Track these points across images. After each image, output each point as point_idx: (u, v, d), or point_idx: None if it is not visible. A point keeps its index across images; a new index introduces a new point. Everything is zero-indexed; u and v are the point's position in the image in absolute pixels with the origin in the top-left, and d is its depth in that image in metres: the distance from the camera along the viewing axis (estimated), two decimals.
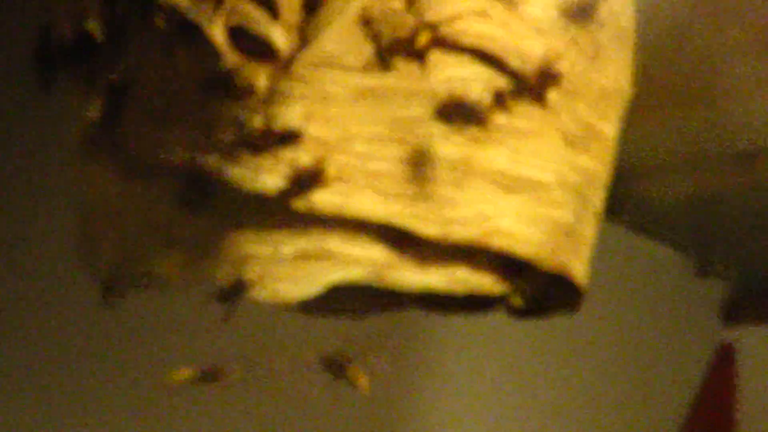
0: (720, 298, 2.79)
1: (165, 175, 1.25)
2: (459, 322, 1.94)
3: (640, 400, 2.54)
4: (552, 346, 2.37)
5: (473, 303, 1.40)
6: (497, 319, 1.66)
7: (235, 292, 1.30)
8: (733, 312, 2.79)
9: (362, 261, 1.19)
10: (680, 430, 2.59)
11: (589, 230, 1.31)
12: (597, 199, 1.32)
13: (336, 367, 1.35)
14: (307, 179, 1.15)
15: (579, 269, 1.29)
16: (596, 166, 1.30)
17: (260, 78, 1.19)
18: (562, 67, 1.24)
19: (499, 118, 1.20)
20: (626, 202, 2.42)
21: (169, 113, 1.25)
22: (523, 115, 1.22)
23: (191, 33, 1.20)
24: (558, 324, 2.16)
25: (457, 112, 1.18)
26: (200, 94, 1.22)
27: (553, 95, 1.21)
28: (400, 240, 1.19)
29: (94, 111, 1.28)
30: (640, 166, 2.31)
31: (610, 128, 1.32)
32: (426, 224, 1.17)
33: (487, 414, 2.27)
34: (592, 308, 2.29)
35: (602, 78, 1.29)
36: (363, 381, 1.32)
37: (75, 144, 1.32)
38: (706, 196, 2.41)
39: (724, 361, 2.68)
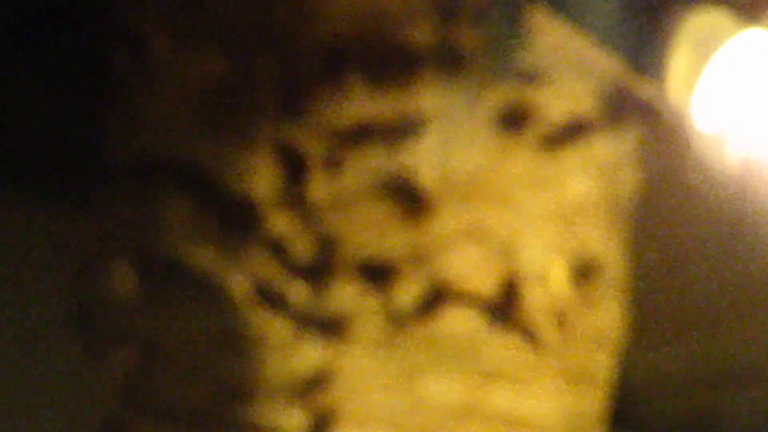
0: None
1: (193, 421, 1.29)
2: None
3: None
4: None
5: None
6: None
7: None
8: None
9: None
10: None
11: None
12: None
13: None
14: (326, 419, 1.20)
15: None
16: (587, 402, 1.33)
17: (274, 329, 1.23)
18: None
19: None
20: (633, 422, 2.39)
21: (192, 367, 1.29)
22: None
23: (214, 293, 1.24)
24: None
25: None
26: (222, 348, 1.26)
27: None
28: None
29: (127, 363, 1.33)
30: (645, 388, 2.30)
31: (600, 371, 1.35)
32: None
33: None
34: None
35: (597, 322, 1.33)
36: None
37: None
38: (703, 415, 2.39)
39: None
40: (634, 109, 1.34)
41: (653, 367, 2.18)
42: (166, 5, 1.34)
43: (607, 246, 1.36)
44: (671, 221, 1.68)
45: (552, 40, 1.27)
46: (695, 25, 1.03)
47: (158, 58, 1.33)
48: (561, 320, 1.29)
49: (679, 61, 1.02)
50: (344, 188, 1.24)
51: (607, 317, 1.35)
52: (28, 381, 1.78)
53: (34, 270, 1.78)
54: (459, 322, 1.25)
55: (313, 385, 1.23)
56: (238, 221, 1.26)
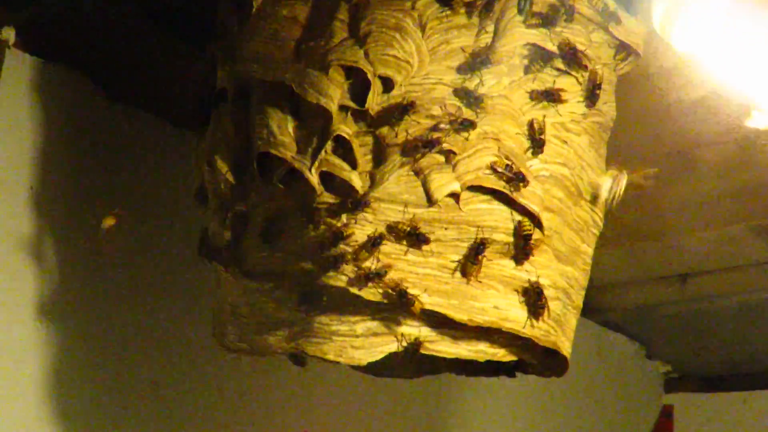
0: (663, 373, 3.15)
1: (272, 279, 1.50)
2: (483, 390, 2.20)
3: None
4: (546, 404, 2.67)
5: (491, 369, 1.64)
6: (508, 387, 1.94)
7: (301, 359, 1.62)
8: (672, 383, 3.15)
9: (413, 337, 1.42)
10: None
11: (572, 320, 1.53)
12: (578, 298, 1.54)
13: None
14: (375, 279, 1.40)
15: (566, 346, 1.51)
16: (578, 274, 1.53)
17: (342, 211, 1.44)
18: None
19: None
20: (596, 307, 2.75)
21: (274, 234, 1.50)
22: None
23: (296, 176, 1.46)
24: (550, 387, 2.48)
25: (482, 244, 1.42)
26: (298, 220, 1.47)
27: (548, 224, 1.45)
28: (440, 322, 1.42)
29: (226, 235, 1.55)
30: (606, 283, 2.59)
31: (587, 249, 1.55)
32: (458, 312, 1.41)
33: None
34: (573, 379, 2.52)
35: (584, 214, 1.54)
36: None
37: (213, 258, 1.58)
38: (651, 304, 2.71)
39: (665, 418, 3.05)
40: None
41: (615, 268, 2.49)
42: None
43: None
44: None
45: None
46: None
47: (256, 11, 1.55)
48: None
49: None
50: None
51: (589, 210, 1.56)
52: None
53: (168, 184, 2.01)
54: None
55: (373, 251, 1.40)
56: (316, 125, 1.46)
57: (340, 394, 2.15)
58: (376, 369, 1.59)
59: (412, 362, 1.66)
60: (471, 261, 1.43)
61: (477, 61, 1.47)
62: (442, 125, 1.43)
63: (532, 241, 1.44)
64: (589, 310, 2.47)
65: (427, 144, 1.43)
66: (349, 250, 1.41)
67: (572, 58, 1.50)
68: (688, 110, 1.96)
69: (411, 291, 1.40)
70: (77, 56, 1.91)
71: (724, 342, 2.92)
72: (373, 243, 1.42)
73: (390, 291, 1.39)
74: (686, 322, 2.78)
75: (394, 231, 1.43)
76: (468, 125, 1.45)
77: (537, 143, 1.48)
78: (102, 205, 1.85)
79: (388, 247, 1.42)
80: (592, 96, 1.53)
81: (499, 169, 1.45)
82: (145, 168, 1.99)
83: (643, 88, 1.89)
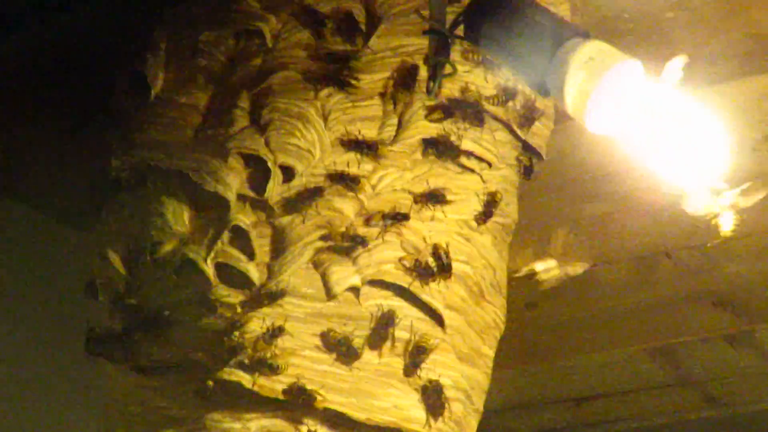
0: None
1: (164, 373, 1.47)
2: None
3: None
4: None
5: None
6: None
7: None
8: None
9: None
10: None
11: (473, 423, 1.50)
12: (479, 402, 1.51)
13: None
14: (271, 372, 1.35)
15: None
16: (480, 377, 1.51)
17: (237, 304, 1.41)
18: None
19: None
20: None
21: (168, 326, 1.47)
22: (432, 336, 1.43)
23: (190, 268, 1.43)
24: None
25: (382, 331, 1.40)
26: (193, 311, 1.44)
27: (450, 323, 1.43)
28: (340, 420, 1.38)
29: (117, 328, 1.52)
30: (501, 404, 2.50)
31: (489, 351, 1.53)
32: (357, 410, 1.37)
33: None
34: None
35: (486, 316, 1.53)
36: None
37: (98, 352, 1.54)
38: (545, 430, 2.65)
39: None
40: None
41: (510, 389, 2.43)
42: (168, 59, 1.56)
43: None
44: None
45: None
46: (586, 52, 1.15)
47: (154, 98, 1.55)
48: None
49: (574, 81, 1.13)
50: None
51: (492, 310, 1.54)
52: None
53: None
54: None
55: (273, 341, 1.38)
56: (212, 214, 1.45)
57: None
58: None
59: None
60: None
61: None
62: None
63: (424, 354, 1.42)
64: None
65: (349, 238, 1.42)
66: (245, 341, 1.37)
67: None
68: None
69: (308, 387, 1.36)
70: None
71: None
72: (272, 335, 1.38)
73: (289, 387, 1.36)
74: None
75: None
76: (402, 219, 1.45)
77: (443, 267, 1.47)
78: None
79: (286, 341, 1.39)
80: (486, 209, 1.53)
81: (407, 264, 1.43)
82: (28, 262, 1.93)
83: None
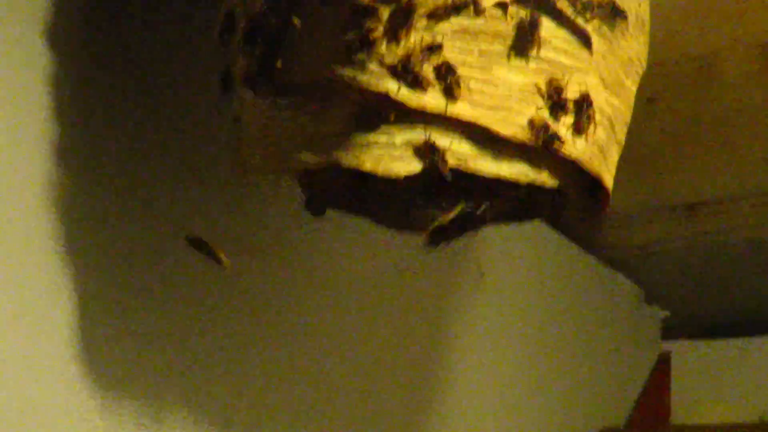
0: (661, 319, 3.13)
1: (306, 91, 1.41)
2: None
3: (602, 392, 2.84)
4: (545, 347, 2.54)
5: (524, 212, 1.54)
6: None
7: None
8: (670, 330, 3.13)
9: (453, 151, 1.34)
10: (629, 414, 2.92)
11: (614, 154, 1.46)
12: (621, 133, 1.46)
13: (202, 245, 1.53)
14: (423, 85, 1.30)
15: (608, 178, 1.44)
16: (622, 107, 1.45)
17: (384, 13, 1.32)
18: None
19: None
20: (598, 244, 2.67)
21: (312, 41, 1.41)
22: (577, 57, 1.37)
23: None
24: (543, 326, 2.37)
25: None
26: (340, 23, 1.35)
27: (597, 50, 1.39)
28: (482, 138, 1.34)
29: (258, 51, 1.45)
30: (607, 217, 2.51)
31: (631, 84, 1.47)
32: (503, 126, 1.33)
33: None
34: (565, 318, 2.46)
35: (628, 49, 1.46)
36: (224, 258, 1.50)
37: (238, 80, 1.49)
38: (653, 240, 2.63)
39: (662, 365, 3.06)
40: None
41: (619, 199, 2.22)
42: None
43: None
44: None
45: None
46: None
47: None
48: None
49: None
50: None
51: (635, 45, 1.47)
52: None
53: None
54: None
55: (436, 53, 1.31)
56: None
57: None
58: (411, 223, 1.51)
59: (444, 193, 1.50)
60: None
61: None
62: None
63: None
64: (591, 249, 2.42)
65: None
66: (399, 52, 1.32)
67: None
68: None
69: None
70: None
71: (728, 286, 2.89)
72: (430, 48, 1.32)
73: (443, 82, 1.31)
74: (690, 262, 2.73)
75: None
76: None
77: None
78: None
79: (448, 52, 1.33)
80: None
81: None
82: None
83: None
